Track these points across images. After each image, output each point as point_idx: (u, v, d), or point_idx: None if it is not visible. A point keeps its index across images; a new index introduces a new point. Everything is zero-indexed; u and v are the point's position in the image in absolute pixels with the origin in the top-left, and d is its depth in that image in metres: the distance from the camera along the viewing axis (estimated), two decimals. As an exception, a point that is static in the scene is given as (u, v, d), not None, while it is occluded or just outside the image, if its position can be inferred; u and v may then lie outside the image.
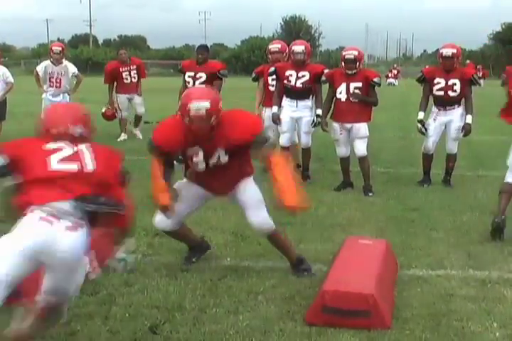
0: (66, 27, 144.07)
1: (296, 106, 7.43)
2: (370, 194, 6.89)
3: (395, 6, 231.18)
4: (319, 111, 7.21)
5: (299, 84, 7.33)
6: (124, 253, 3.53)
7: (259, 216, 4.22)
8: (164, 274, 4.31)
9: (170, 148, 4.07)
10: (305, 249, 4.72)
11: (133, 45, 69.85)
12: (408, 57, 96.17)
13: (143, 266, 4.46)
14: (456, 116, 7.19)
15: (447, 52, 7.06)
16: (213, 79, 8.36)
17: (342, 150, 7.11)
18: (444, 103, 7.18)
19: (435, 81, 7.15)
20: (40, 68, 10.58)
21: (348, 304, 3.49)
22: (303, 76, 7.31)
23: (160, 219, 4.32)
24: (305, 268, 4.38)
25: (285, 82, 7.37)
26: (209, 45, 9.71)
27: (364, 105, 6.88)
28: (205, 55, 8.46)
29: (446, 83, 7.09)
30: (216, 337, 3.40)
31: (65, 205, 2.93)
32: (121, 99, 10.90)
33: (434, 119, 7.27)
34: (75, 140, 3.17)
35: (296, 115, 7.45)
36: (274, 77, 7.64)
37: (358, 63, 6.77)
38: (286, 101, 7.47)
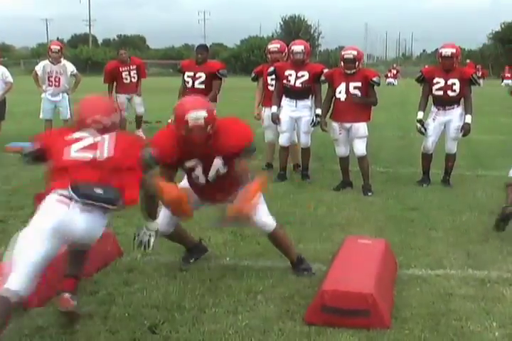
0: (65, 27, 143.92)
1: (296, 105, 7.44)
2: (370, 193, 6.89)
3: (395, 6, 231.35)
4: (319, 111, 7.21)
5: (298, 83, 7.34)
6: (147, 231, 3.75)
7: (260, 214, 4.23)
8: (163, 274, 4.31)
9: (170, 159, 3.95)
10: (304, 249, 4.72)
11: (132, 44, 69.84)
12: (407, 57, 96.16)
13: (142, 265, 4.47)
14: (455, 116, 7.19)
15: (446, 51, 7.06)
16: (212, 79, 8.35)
17: (341, 150, 7.12)
18: (444, 103, 7.18)
19: (434, 81, 7.16)
20: (38, 68, 10.59)
21: (348, 303, 3.49)
22: (302, 76, 7.32)
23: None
24: (305, 268, 4.38)
25: (284, 81, 7.38)
26: (208, 45, 9.68)
27: (363, 105, 6.88)
28: (205, 55, 8.45)
29: (446, 83, 7.10)
30: (215, 337, 3.40)
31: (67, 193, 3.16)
32: (121, 99, 10.90)
33: (434, 119, 7.27)
34: (103, 129, 3.43)
35: (295, 115, 7.45)
36: (273, 76, 7.65)
37: (357, 63, 6.77)
38: (285, 101, 7.47)
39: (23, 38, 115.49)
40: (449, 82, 7.08)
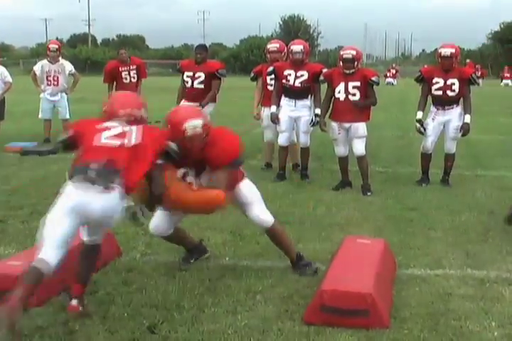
0: (65, 26, 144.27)
1: (295, 105, 7.44)
2: (369, 193, 6.89)
3: (394, 6, 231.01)
4: (318, 111, 7.21)
5: (297, 83, 7.34)
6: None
7: (258, 212, 4.25)
8: (163, 273, 4.31)
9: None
10: (303, 249, 4.71)
11: (132, 44, 69.83)
12: (407, 57, 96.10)
13: (141, 265, 4.47)
14: (454, 116, 7.19)
15: (446, 51, 7.06)
16: (212, 78, 8.35)
17: (340, 150, 7.11)
18: (443, 102, 7.18)
19: (434, 80, 7.16)
20: (37, 67, 10.61)
21: (347, 303, 3.49)
22: (301, 75, 7.32)
23: (155, 225, 4.30)
24: (305, 264, 4.39)
25: (284, 81, 7.38)
26: (208, 45, 9.68)
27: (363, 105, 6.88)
28: (204, 55, 8.44)
29: (445, 83, 7.10)
30: (214, 337, 3.40)
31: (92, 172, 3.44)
32: (120, 98, 10.89)
33: (433, 119, 7.27)
34: (132, 121, 3.70)
35: (294, 114, 7.45)
36: (272, 76, 7.65)
37: (356, 63, 6.77)
38: (284, 101, 7.47)
39: (22, 37, 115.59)
40: (449, 81, 7.08)
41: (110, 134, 3.61)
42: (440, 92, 7.15)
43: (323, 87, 7.16)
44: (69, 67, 10.58)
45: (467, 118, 7.08)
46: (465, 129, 7.12)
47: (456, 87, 7.08)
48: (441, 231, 5.45)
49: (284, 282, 4.18)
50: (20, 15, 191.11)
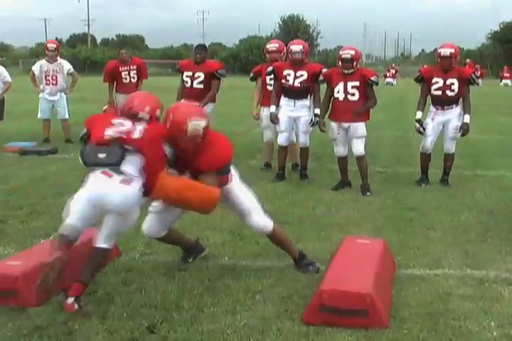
0: (64, 26, 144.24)
1: (294, 105, 7.44)
2: (368, 193, 6.89)
3: (394, 6, 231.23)
4: (317, 111, 7.20)
5: (297, 83, 7.33)
6: None
7: (257, 219, 4.24)
8: (162, 273, 4.31)
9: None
10: (303, 248, 4.70)
11: (131, 44, 69.79)
12: (406, 57, 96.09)
13: (140, 265, 4.47)
14: (454, 116, 7.19)
15: (445, 51, 7.06)
16: (211, 78, 8.34)
17: (340, 150, 7.11)
18: (442, 102, 7.19)
19: (433, 80, 7.16)
20: (35, 67, 10.61)
21: (346, 303, 3.49)
22: (301, 75, 7.32)
23: (148, 227, 4.29)
24: (308, 263, 4.40)
25: (283, 81, 7.37)
26: (207, 45, 9.65)
27: (362, 105, 6.87)
28: (203, 55, 8.43)
29: (445, 83, 7.10)
30: (214, 337, 3.40)
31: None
32: (120, 98, 10.84)
33: (432, 119, 7.27)
34: (141, 119, 3.83)
35: (294, 114, 7.45)
36: (272, 76, 7.65)
37: (355, 62, 6.77)
38: (284, 101, 7.47)
39: (21, 37, 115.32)
40: (448, 81, 7.08)
41: (116, 129, 3.76)
42: (439, 92, 7.15)
43: (323, 87, 7.16)
44: (67, 66, 10.59)
45: (466, 118, 7.08)
46: (464, 129, 7.12)
47: (455, 87, 7.08)
48: (440, 231, 5.45)
49: (284, 282, 4.18)
50: (19, 15, 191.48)
